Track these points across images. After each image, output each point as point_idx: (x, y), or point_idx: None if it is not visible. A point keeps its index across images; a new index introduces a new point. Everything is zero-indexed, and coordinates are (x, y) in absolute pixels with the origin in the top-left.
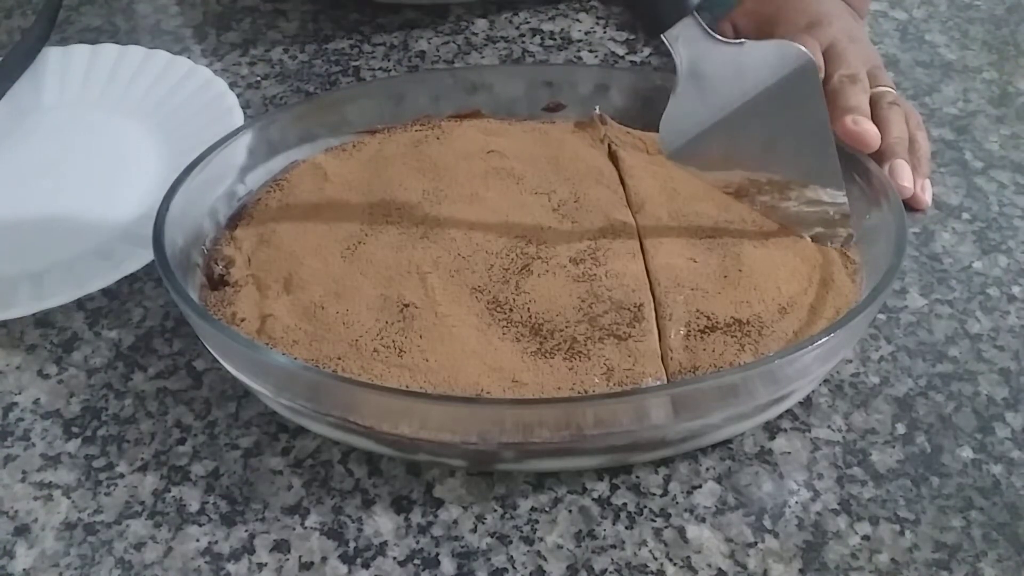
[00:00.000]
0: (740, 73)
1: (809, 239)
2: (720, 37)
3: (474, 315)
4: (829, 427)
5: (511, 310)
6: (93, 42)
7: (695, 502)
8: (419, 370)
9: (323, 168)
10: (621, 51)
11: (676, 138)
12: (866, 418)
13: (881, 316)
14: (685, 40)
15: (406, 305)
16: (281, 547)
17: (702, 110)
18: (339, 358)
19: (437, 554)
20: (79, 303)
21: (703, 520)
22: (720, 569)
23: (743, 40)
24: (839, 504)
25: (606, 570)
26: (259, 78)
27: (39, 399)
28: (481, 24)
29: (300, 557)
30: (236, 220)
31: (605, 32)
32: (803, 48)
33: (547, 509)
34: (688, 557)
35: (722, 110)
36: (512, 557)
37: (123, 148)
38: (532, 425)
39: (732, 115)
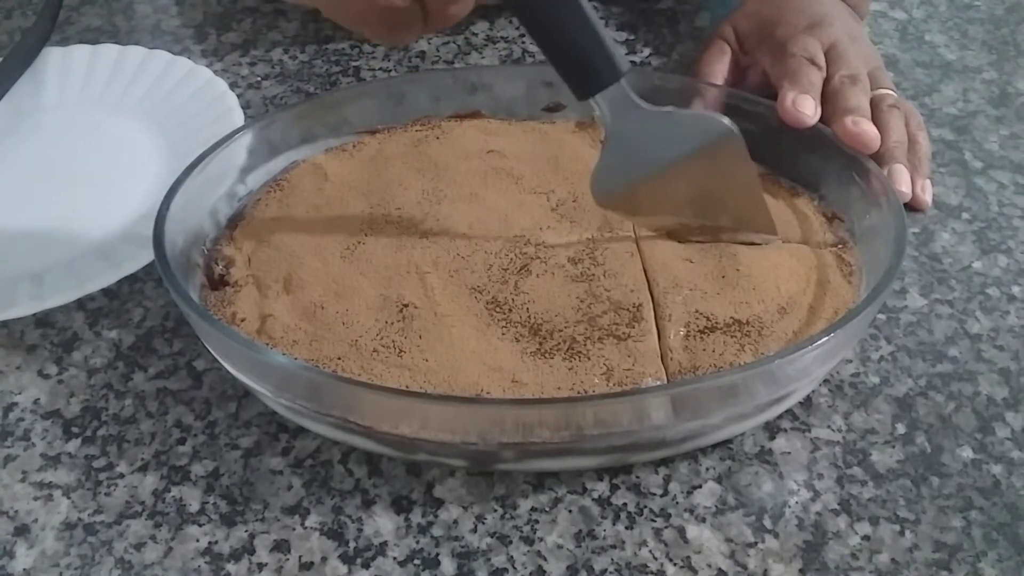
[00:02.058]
0: (665, 138)
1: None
2: (646, 104)
3: (473, 315)
4: (829, 427)
5: (510, 310)
6: (93, 42)
7: (695, 502)
8: (419, 370)
9: (323, 168)
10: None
11: (605, 188)
12: (866, 418)
13: (881, 316)
14: (613, 104)
15: (405, 305)
16: (281, 547)
17: (629, 167)
18: (339, 358)
19: (437, 554)
20: (79, 303)
21: (703, 520)
22: (720, 569)
23: (670, 109)
24: (839, 504)
25: (606, 570)
26: (259, 78)
27: (39, 399)
28: (481, 24)
29: (300, 557)
30: (236, 220)
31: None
32: (726, 120)
33: (547, 509)
34: (688, 557)
35: (648, 168)
36: (512, 557)
37: (123, 148)
38: (532, 425)
39: (658, 173)
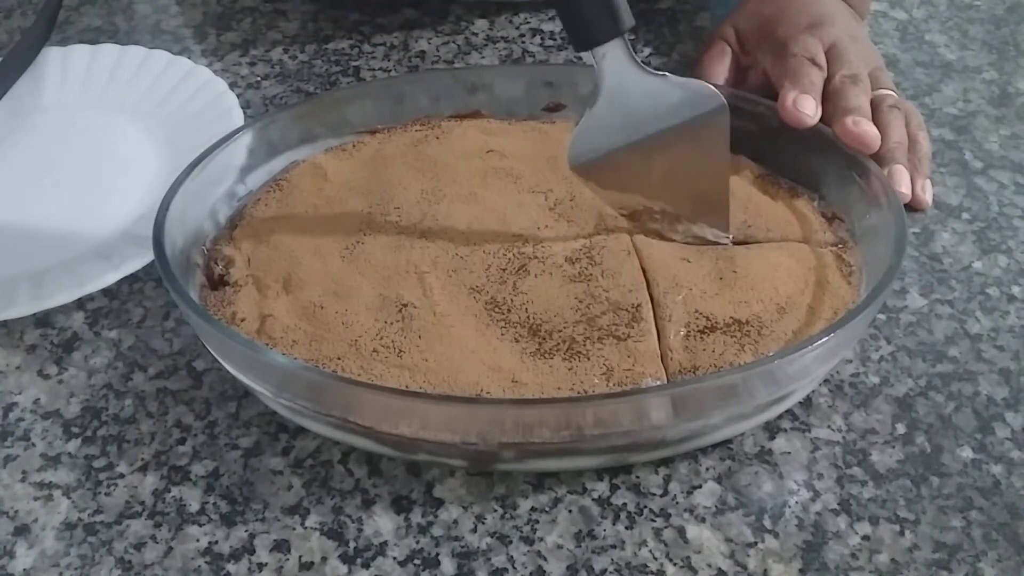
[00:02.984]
0: (657, 104)
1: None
2: (644, 66)
3: (472, 315)
4: (829, 427)
5: (509, 310)
6: (93, 42)
7: (695, 502)
8: (419, 370)
9: (323, 168)
10: None
11: (583, 152)
12: (866, 418)
13: (881, 316)
14: (611, 60)
15: (404, 305)
16: (281, 547)
17: (614, 132)
18: (339, 358)
19: (437, 554)
20: (79, 303)
21: (703, 520)
22: (720, 569)
23: (665, 73)
24: (839, 504)
25: (606, 570)
26: (259, 78)
27: (39, 399)
28: (481, 24)
29: (300, 557)
30: (236, 220)
31: None
32: (718, 92)
33: (547, 509)
34: (688, 557)
35: (632, 136)
36: (512, 557)
37: (123, 148)
38: (532, 425)
39: (640, 143)
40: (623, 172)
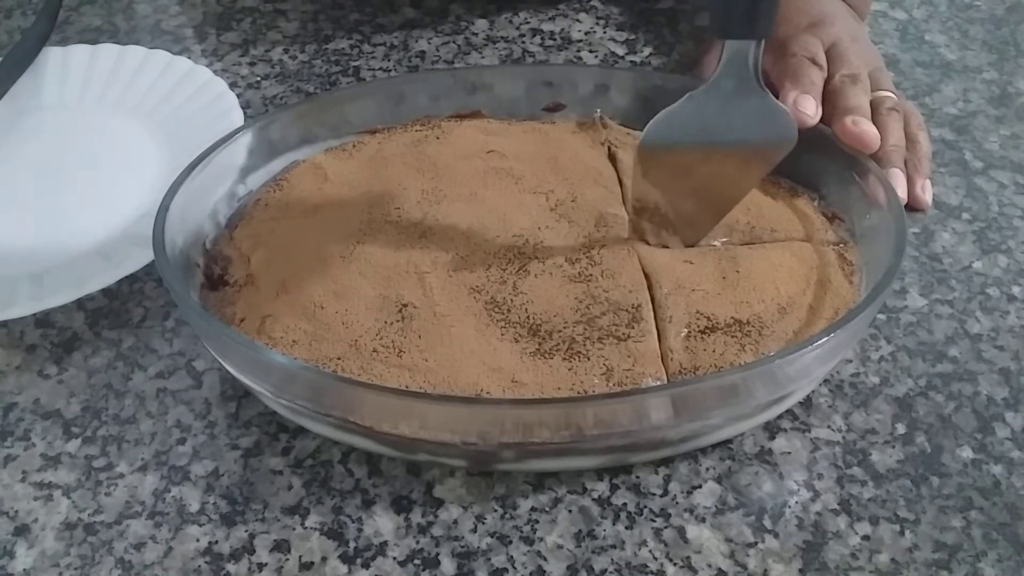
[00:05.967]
0: (742, 117)
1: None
2: (759, 79)
3: (472, 315)
4: (829, 427)
5: (509, 310)
6: (93, 42)
7: (695, 502)
8: (419, 370)
9: (323, 168)
10: (621, 51)
11: (657, 135)
12: (866, 418)
13: (881, 316)
14: (734, 57)
15: (405, 305)
16: (281, 547)
17: (691, 126)
18: (339, 358)
19: (437, 554)
20: (79, 303)
21: (703, 520)
22: (720, 569)
23: (767, 92)
24: (839, 504)
25: (606, 570)
26: (259, 78)
27: (39, 399)
28: (481, 24)
29: (300, 557)
30: (236, 220)
31: (605, 32)
32: (795, 129)
33: (547, 509)
34: (688, 557)
35: (704, 137)
36: (512, 557)
37: (123, 148)
38: (532, 425)
39: (704, 146)
40: (670, 168)
